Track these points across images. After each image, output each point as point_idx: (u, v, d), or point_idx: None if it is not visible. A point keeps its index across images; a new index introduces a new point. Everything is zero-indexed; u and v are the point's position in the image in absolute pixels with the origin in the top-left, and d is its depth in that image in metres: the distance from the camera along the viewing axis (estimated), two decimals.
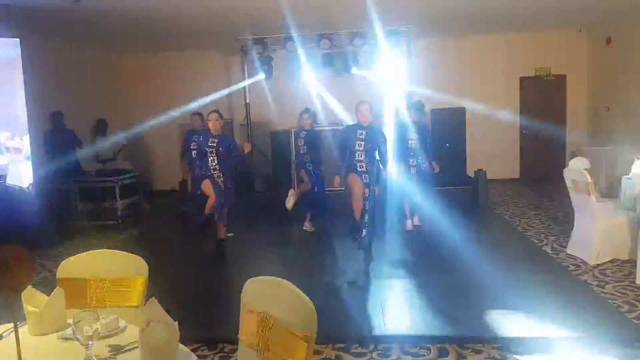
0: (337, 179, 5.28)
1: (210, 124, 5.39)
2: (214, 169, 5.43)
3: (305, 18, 7.69)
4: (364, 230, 5.10)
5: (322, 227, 6.77)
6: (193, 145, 5.65)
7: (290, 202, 6.53)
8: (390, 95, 8.95)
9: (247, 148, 5.76)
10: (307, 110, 6.75)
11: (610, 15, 8.67)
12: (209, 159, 5.41)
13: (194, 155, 5.66)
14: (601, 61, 9.53)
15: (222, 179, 5.48)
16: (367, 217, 5.09)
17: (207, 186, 5.44)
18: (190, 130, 6.82)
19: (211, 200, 5.44)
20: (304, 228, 6.72)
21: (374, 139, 5.14)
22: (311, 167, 6.55)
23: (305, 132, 6.58)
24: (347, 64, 9.10)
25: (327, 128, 8.15)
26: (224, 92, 10.45)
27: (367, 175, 5.14)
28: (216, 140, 5.40)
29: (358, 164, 5.14)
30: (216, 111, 5.50)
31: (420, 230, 6.58)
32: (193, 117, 6.92)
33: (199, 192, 6.23)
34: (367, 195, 5.10)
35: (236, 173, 5.73)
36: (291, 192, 6.58)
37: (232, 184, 5.60)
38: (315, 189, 6.58)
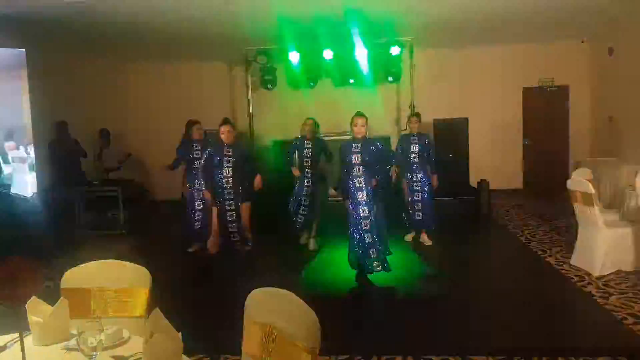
0: (331, 190, 5.14)
1: (223, 136, 5.22)
2: (227, 183, 5.21)
3: (308, 29, 7.75)
4: (374, 260, 4.97)
5: (324, 237, 6.76)
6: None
7: (311, 245, 6.58)
8: (393, 107, 9.00)
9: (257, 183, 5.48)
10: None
11: (612, 25, 8.71)
12: (225, 170, 5.21)
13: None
14: (604, 71, 9.55)
15: (232, 197, 5.27)
16: (370, 239, 4.95)
17: (216, 214, 5.25)
18: (185, 140, 6.53)
19: (216, 236, 5.25)
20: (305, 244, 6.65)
21: (370, 153, 4.97)
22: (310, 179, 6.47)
23: (310, 144, 6.47)
24: (350, 74, 9.14)
25: (328, 138, 8.14)
26: (228, 102, 10.54)
27: (363, 193, 4.94)
28: (230, 151, 5.23)
29: (356, 179, 4.96)
30: (228, 122, 5.35)
31: (419, 245, 6.52)
32: (195, 126, 6.51)
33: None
34: (366, 214, 4.94)
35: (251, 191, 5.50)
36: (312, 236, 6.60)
37: (246, 202, 5.34)
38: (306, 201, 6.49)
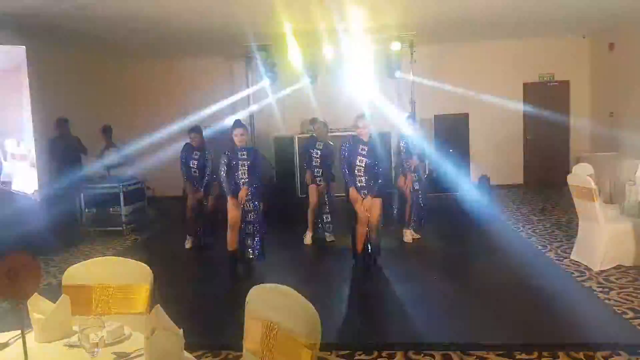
0: (352, 191, 5.11)
1: (236, 139, 5.25)
2: (244, 184, 5.24)
3: (308, 25, 7.73)
4: (374, 256, 5.14)
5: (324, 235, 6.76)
6: (223, 163, 5.38)
7: (307, 238, 6.59)
8: (394, 103, 8.98)
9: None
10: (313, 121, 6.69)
11: (613, 21, 8.68)
12: (240, 173, 5.24)
13: (222, 173, 5.29)
14: (604, 67, 9.53)
15: (250, 197, 5.29)
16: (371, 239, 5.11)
17: (232, 206, 5.24)
18: (188, 146, 6.55)
19: (233, 230, 5.28)
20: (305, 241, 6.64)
21: (375, 155, 5.06)
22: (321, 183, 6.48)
23: (321, 145, 6.48)
24: (351, 70, 9.13)
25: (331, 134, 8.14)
26: (228, 97, 10.54)
27: (365, 192, 5.07)
28: (245, 153, 5.27)
29: (357, 179, 5.07)
30: (242, 126, 5.38)
31: (419, 241, 6.48)
32: (191, 134, 6.53)
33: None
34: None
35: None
36: (308, 232, 6.60)
37: (258, 203, 5.37)
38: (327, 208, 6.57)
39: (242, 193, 5.19)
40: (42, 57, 7.59)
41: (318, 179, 6.46)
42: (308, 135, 6.72)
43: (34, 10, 6.28)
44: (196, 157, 6.47)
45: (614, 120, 9.11)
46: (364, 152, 5.04)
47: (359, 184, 5.07)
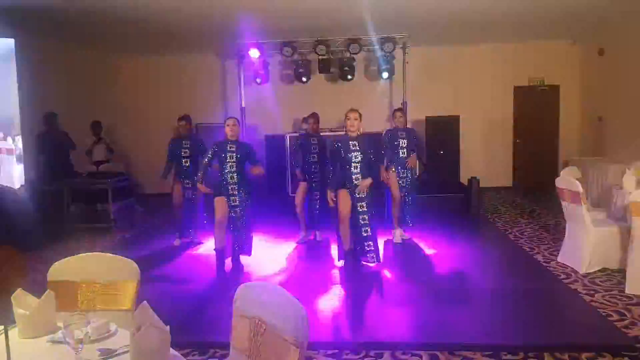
0: (330, 194, 5.08)
1: (227, 130, 5.22)
2: (232, 178, 5.18)
3: (301, 24, 7.73)
4: (371, 254, 5.11)
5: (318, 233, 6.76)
6: (209, 154, 5.27)
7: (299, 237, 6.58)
8: (385, 103, 8.98)
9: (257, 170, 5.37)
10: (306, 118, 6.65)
11: (602, 26, 8.77)
12: (228, 165, 5.19)
13: (205, 160, 5.30)
14: (594, 72, 9.62)
15: (236, 192, 5.25)
16: (369, 235, 5.08)
17: (219, 204, 5.20)
18: (176, 138, 6.52)
19: (221, 228, 5.22)
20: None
21: (367, 150, 5.02)
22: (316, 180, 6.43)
23: (316, 140, 6.44)
24: (343, 70, 9.14)
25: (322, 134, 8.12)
26: (220, 95, 10.50)
27: (359, 178, 5.03)
28: (234, 147, 5.22)
29: (354, 177, 5.01)
30: (234, 117, 5.43)
31: (409, 241, 6.50)
32: (180, 122, 6.47)
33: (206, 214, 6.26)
34: (365, 209, 5.04)
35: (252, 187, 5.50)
36: (301, 232, 6.59)
37: (248, 199, 5.33)
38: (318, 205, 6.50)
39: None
40: (31, 50, 7.51)
41: (313, 176, 6.39)
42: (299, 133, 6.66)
43: (24, 2, 6.21)
44: (186, 146, 6.38)
45: (602, 125, 9.20)
46: (356, 148, 4.98)
47: (355, 182, 5.00)
